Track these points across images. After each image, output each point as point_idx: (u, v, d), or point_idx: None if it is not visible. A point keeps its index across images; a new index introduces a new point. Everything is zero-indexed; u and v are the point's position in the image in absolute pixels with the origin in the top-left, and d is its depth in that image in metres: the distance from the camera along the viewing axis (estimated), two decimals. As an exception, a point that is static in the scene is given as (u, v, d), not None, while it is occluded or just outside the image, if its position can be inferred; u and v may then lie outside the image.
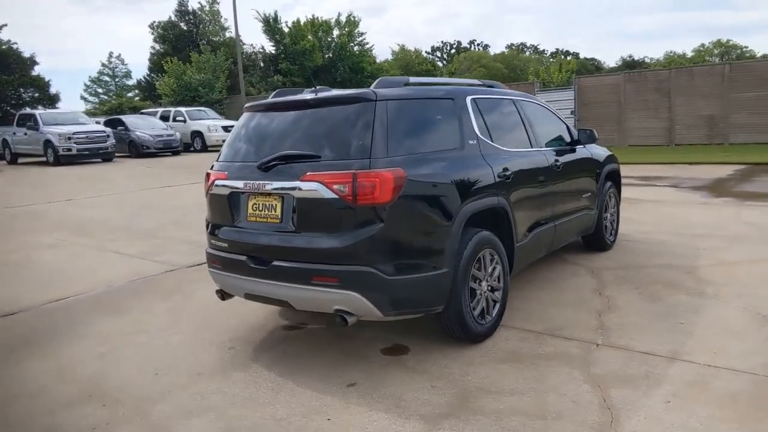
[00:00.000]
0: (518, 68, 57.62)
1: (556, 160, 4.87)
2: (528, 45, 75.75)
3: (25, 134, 19.32)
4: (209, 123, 22.25)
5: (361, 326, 4.12)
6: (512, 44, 75.02)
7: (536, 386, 3.22)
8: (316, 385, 3.37)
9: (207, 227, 4.03)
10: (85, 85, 52.44)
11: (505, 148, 4.23)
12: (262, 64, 39.34)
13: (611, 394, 3.07)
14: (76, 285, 5.78)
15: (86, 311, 5.06)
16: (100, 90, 51.70)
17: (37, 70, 34.04)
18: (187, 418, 3.10)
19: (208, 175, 4.01)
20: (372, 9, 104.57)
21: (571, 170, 5.14)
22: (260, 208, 3.55)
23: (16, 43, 36.61)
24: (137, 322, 4.71)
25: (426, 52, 62.68)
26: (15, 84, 31.68)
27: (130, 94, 46.14)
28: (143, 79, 41.97)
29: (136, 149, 20.24)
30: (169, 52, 35.63)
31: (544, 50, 74.85)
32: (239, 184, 3.62)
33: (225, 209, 3.75)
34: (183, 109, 23.71)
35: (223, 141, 20.21)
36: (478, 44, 73.44)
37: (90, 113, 33.74)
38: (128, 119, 21.60)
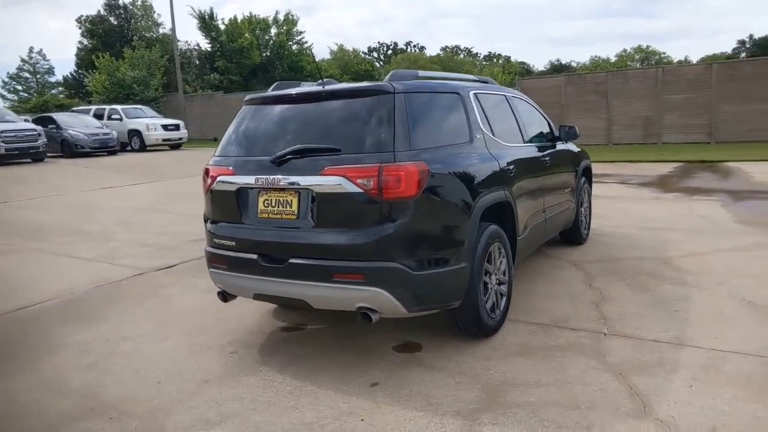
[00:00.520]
0: (454, 70, 58.67)
1: (545, 156, 4.97)
2: (462, 48, 77.34)
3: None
4: (148, 121, 21.29)
5: (366, 325, 4.03)
6: (446, 47, 76.38)
7: (559, 377, 3.24)
8: (337, 387, 3.26)
9: (206, 225, 3.82)
10: (3, 81, 49.05)
11: (504, 143, 4.26)
12: (197, 62, 38.13)
13: (634, 382, 3.14)
14: (38, 292, 5.36)
15: (57, 320, 4.69)
16: (19, 87, 48.45)
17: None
18: (209, 427, 2.92)
19: (206, 170, 3.80)
20: (303, 8, 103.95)
21: (557, 165, 5.25)
22: (273, 204, 3.40)
23: None
24: (117, 329, 4.41)
25: (363, 52, 62.83)
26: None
27: (53, 91, 43.48)
28: (70, 76, 39.70)
29: (70, 149, 19.05)
30: (99, 48, 33.89)
31: (477, 53, 76.75)
32: (249, 179, 3.45)
33: (231, 206, 3.56)
34: (119, 107, 22.55)
35: (164, 140, 19.48)
36: (414, 46, 74.28)
37: (13, 111, 31.46)
38: (60, 117, 20.30)
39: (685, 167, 12.98)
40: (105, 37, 35.80)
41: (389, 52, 72.62)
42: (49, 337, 4.30)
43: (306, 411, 3.02)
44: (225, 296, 3.78)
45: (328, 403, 3.08)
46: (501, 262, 3.93)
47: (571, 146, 6.05)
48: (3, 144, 16.31)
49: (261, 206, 3.45)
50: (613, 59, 62.69)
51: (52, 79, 48.39)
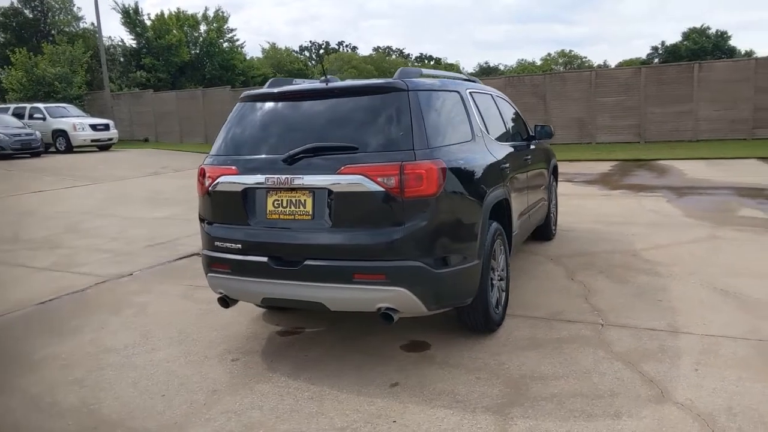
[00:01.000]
0: (387, 71, 59.09)
1: (527, 154, 5.09)
2: (394, 48, 78.00)
3: None
4: (75, 121, 20.03)
5: (366, 325, 3.99)
6: (378, 47, 76.82)
7: (574, 369, 3.33)
8: (358, 389, 3.20)
9: (203, 227, 3.64)
10: None
11: (497, 142, 4.33)
12: (122, 59, 36.31)
13: (644, 369, 3.28)
14: (-3, 304, 4.93)
15: (26, 332, 4.35)
16: None
17: None
18: (235, 438, 2.79)
19: (202, 171, 3.62)
20: (230, 5, 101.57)
21: (535, 163, 5.40)
22: (284, 205, 3.28)
23: None
24: (96, 341, 4.13)
25: (294, 51, 62.06)
26: None
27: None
28: (-22, 72, 36.67)
29: (-13, 150, 17.66)
30: (13, 42, 31.56)
31: (409, 54, 77.62)
32: (258, 179, 3.31)
33: (236, 207, 3.41)
34: (41, 106, 21.06)
35: (93, 141, 18.48)
36: (346, 45, 74.26)
37: None
38: (-26, 116, 18.77)
39: (622, 165, 13.69)
40: (20, 32, 33.39)
41: (321, 51, 72.20)
42: (23, 351, 3.98)
43: (333, 416, 2.94)
44: (227, 302, 3.62)
45: (354, 407, 3.02)
46: (501, 259, 3.99)
47: (543, 144, 6.23)
48: None
49: (270, 207, 3.32)
50: (538, 62, 65.14)
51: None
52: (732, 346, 3.52)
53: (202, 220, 3.70)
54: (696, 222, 7.12)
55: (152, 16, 36.05)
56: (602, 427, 2.72)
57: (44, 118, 20.22)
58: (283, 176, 3.23)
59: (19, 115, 20.31)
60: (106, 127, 20.91)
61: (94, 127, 20.38)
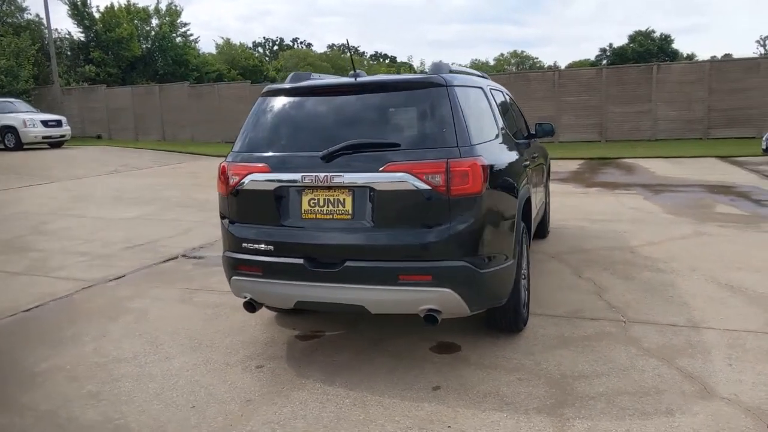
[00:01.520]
0: (344, 68, 58.75)
1: (534, 151, 5.10)
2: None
3: None
4: (24, 116, 18.93)
5: (387, 327, 3.89)
6: (333, 44, 76.37)
7: (611, 366, 3.33)
8: (400, 394, 3.10)
9: (227, 228, 3.44)
10: None
11: (514, 139, 4.31)
12: (69, 53, 34.72)
13: (680, 365, 3.31)
14: (-22, 314, 4.57)
15: (16, 343, 4.05)
16: None
17: None
18: (286, 451, 2.64)
19: (225, 168, 3.44)
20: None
21: (539, 161, 5.42)
22: (321, 204, 3.14)
23: None
24: (100, 350, 3.88)
25: (248, 47, 60.86)
26: None
27: None
28: None
29: (-72, 147, 16.48)
30: (-51, 33, 29.63)
31: (364, 52, 77.52)
32: (293, 177, 3.15)
33: (268, 207, 3.24)
34: (-14, 100, 19.88)
35: (44, 138, 17.62)
36: (301, 42, 73.50)
37: None
38: None
39: (590, 164, 14.02)
40: (-44, 21, 31.42)
41: (275, 47, 71.20)
42: (20, 364, 3.69)
43: (383, 423, 2.83)
44: (254, 306, 3.44)
45: (402, 412, 2.92)
46: (524, 257, 3.96)
47: (539, 142, 6.26)
48: None
49: (306, 206, 3.17)
50: (492, 63, 66.23)
51: None
52: (755, 340, 3.60)
53: (224, 218, 3.50)
54: (678, 219, 7.33)
55: (101, 8, 34.61)
56: (660, 424, 2.71)
57: (-10, 114, 19.05)
58: (322, 174, 3.08)
59: (-39, 110, 19.07)
60: (58, 124, 19.89)
61: (45, 123, 19.35)
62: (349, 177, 3.06)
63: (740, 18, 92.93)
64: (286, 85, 3.50)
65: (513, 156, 3.82)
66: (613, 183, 10.76)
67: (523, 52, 68.31)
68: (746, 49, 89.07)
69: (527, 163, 4.14)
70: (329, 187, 3.12)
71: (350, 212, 3.10)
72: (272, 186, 3.22)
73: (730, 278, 4.80)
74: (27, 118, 18.82)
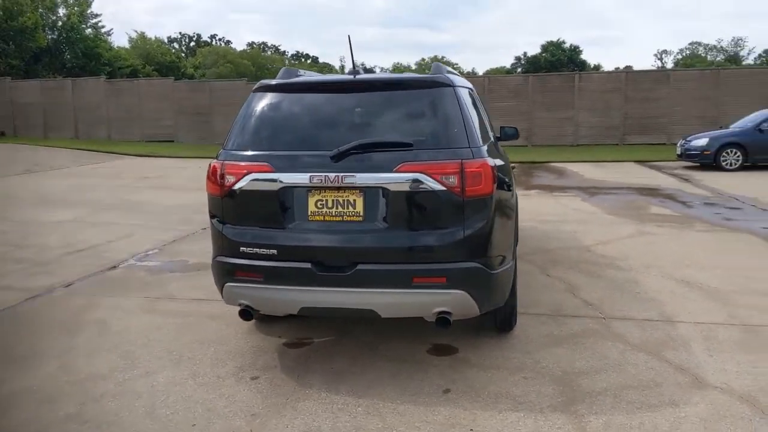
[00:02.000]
0: (265, 67, 57.60)
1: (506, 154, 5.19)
2: (269, 45, 76.25)
3: None
4: None
5: (377, 332, 3.83)
6: (253, 42, 74.72)
7: (606, 362, 3.45)
8: (412, 399, 3.05)
9: (222, 231, 3.24)
10: None
11: (497, 141, 4.37)
12: (-36, 41, 31.74)
13: (667, 357, 3.48)
14: None
15: (-33, 364, 3.60)
16: None
17: None
18: (312, 465, 2.52)
19: (215, 168, 3.23)
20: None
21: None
22: (330, 205, 3.02)
23: None
24: (68, 367, 3.55)
25: (163, 42, 58.26)
26: None
27: None
28: None
29: None
30: None
31: (285, 51, 76.35)
32: (301, 177, 3.01)
33: (271, 208, 3.08)
34: None
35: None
36: (219, 39, 71.30)
37: None
38: None
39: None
40: None
41: (192, 44, 68.64)
42: (-22, 388, 3.29)
43: (403, 430, 2.77)
44: (250, 314, 3.25)
45: (420, 418, 2.87)
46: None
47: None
48: None
49: (313, 207, 3.04)
50: (414, 67, 67.29)
51: None
52: (725, 331, 3.86)
53: (219, 221, 3.28)
54: (619, 219, 7.75)
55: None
56: (669, 415, 2.83)
57: None
58: (332, 174, 2.97)
59: None
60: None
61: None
62: (361, 177, 2.96)
63: (641, 33, 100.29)
64: (285, 81, 3.35)
65: (504, 157, 3.88)
66: (549, 186, 11.23)
67: (443, 57, 69.90)
68: (646, 61, 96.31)
69: (513, 165, 4.21)
70: (339, 188, 3.01)
71: (361, 214, 3.01)
72: (276, 186, 3.06)
73: (684, 275, 5.12)
74: None
